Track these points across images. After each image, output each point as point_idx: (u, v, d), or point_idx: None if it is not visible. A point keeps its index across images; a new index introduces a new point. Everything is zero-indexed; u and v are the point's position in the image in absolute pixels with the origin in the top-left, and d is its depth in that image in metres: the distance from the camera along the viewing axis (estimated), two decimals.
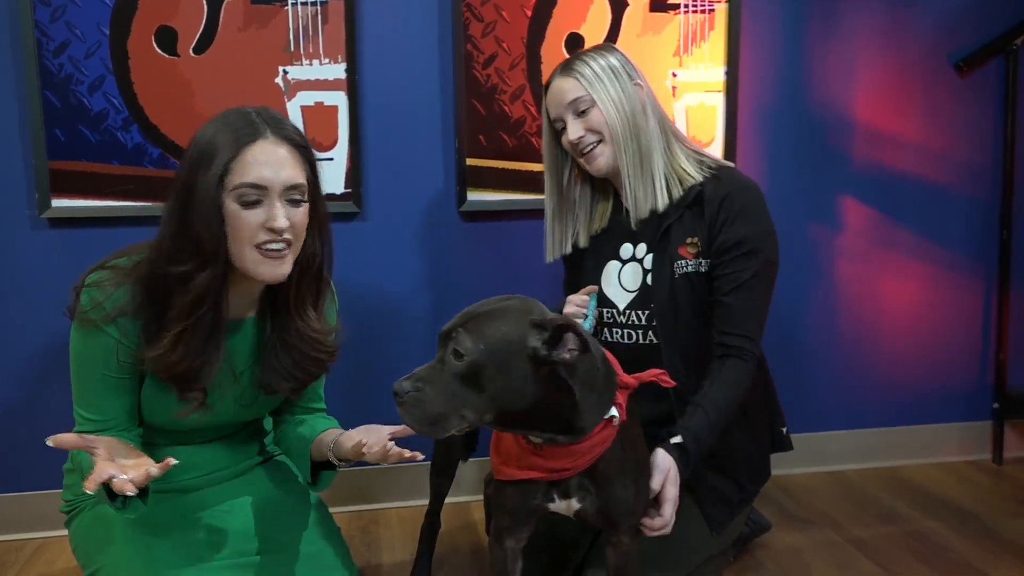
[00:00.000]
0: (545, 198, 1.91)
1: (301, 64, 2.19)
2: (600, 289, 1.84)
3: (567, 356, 1.24)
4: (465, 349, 1.23)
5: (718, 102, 2.38)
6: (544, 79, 2.26)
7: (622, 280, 1.82)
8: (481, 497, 2.28)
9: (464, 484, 2.37)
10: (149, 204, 2.15)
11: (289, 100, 2.19)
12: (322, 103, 2.21)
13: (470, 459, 2.35)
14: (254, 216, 1.41)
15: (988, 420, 2.68)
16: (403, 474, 2.35)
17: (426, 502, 1.95)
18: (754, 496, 1.86)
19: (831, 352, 2.58)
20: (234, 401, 1.60)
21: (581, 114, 1.74)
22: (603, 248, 1.86)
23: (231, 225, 1.41)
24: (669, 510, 1.49)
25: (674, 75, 2.36)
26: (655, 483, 1.49)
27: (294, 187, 1.44)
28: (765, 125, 2.45)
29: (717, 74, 2.37)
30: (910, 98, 2.52)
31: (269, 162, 1.41)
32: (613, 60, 1.75)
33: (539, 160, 2.30)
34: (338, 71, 2.20)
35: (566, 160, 1.86)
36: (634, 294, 1.80)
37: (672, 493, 1.49)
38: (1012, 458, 2.67)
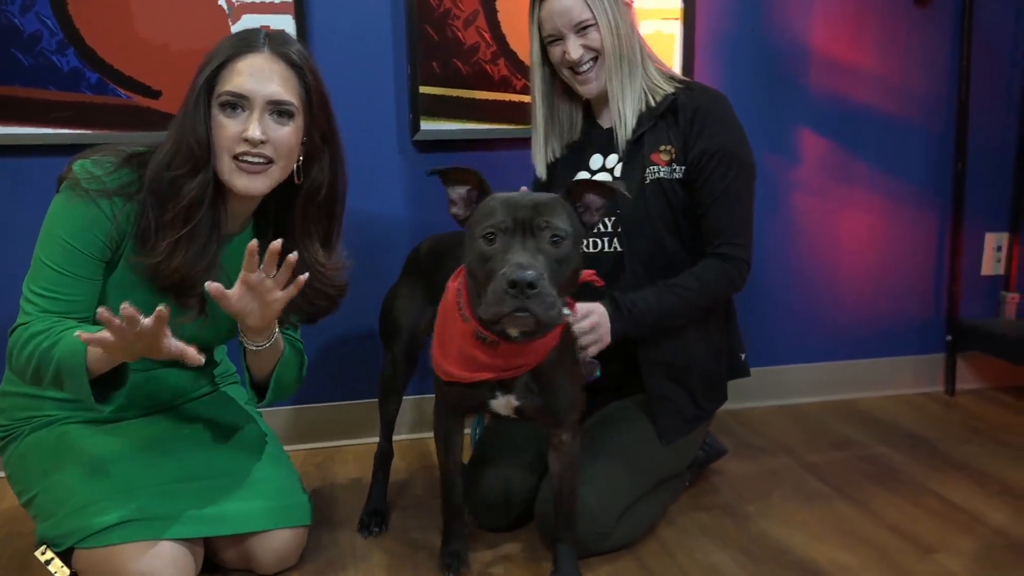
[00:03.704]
0: (536, 108, 1.90)
1: None
2: None
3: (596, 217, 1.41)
4: (564, 232, 1.28)
5: (675, 30, 2.34)
6: (498, 4, 2.23)
7: None
8: None
9: (423, 421, 2.35)
10: (88, 132, 2.07)
11: (234, 24, 2.11)
12: (268, 27, 2.12)
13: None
14: (234, 125, 1.43)
15: (941, 353, 2.72)
16: (359, 411, 2.31)
17: None
18: (709, 415, 1.87)
19: (786, 286, 2.59)
20: (227, 319, 1.53)
21: (581, 32, 1.75)
22: (573, 160, 1.90)
23: (214, 131, 1.43)
24: (589, 320, 1.61)
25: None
26: (580, 314, 1.58)
27: (279, 103, 1.45)
28: (722, 54, 2.41)
29: (674, 1, 2.32)
30: (868, 28, 2.50)
31: (256, 74, 1.43)
32: None
33: (495, 89, 2.27)
34: None
35: (545, 68, 1.86)
36: None
37: (594, 318, 1.61)
38: (964, 389, 2.71)
